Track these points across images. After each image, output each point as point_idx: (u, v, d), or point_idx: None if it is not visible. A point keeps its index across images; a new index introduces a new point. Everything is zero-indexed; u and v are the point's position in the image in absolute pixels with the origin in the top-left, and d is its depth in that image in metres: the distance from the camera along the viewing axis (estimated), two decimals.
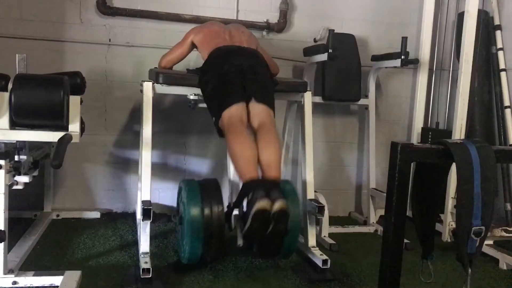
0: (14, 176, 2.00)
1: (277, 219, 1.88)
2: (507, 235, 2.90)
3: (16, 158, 2.02)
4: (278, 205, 1.88)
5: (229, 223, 2.15)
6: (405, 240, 2.56)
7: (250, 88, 2.26)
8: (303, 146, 2.65)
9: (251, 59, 2.41)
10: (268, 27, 3.28)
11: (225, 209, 2.20)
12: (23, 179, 2.04)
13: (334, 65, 3.12)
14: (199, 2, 3.19)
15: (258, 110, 2.21)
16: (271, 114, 2.24)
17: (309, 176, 2.60)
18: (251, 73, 2.31)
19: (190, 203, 2.21)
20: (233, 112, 2.16)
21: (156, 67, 2.72)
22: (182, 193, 2.35)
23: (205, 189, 2.29)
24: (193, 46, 2.63)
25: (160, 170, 3.13)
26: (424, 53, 3.35)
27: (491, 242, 2.83)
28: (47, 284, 2.05)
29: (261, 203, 1.85)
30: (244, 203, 1.99)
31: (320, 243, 2.75)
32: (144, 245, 2.29)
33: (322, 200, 2.66)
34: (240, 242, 2.09)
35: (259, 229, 1.89)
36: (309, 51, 3.03)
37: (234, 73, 2.29)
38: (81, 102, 2.10)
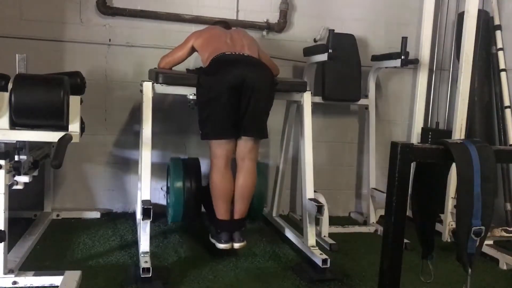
0: (14, 176, 2.00)
1: (237, 248, 2.45)
2: (507, 235, 2.90)
3: (16, 158, 2.02)
4: (238, 245, 2.43)
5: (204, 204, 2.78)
6: (405, 240, 2.56)
7: (242, 118, 2.36)
8: (303, 146, 2.65)
9: (254, 69, 2.40)
10: (268, 27, 3.29)
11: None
12: (23, 179, 2.04)
13: (334, 65, 3.12)
14: (199, 2, 3.19)
15: (245, 145, 2.46)
16: (256, 146, 2.51)
17: (309, 176, 2.60)
18: (250, 89, 2.32)
19: (175, 177, 2.74)
20: (221, 147, 2.42)
21: (156, 67, 2.71)
22: (169, 168, 2.84)
23: (188, 166, 2.82)
24: (193, 50, 2.64)
25: (160, 170, 3.13)
26: (424, 53, 3.36)
27: (491, 242, 2.83)
28: (47, 284, 2.05)
29: (224, 245, 2.41)
30: (214, 231, 2.48)
31: (320, 243, 2.75)
32: (144, 244, 2.29)
33: (322, 200, 2.66)
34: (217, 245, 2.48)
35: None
36: (309, 51, 3.04)
37: (230, 93, 2.31)
38: (81, 102, 2.10)
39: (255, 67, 2.42)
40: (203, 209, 2.84)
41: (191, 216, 2.80)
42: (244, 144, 2.45)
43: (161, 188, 3.00)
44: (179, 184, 2.73)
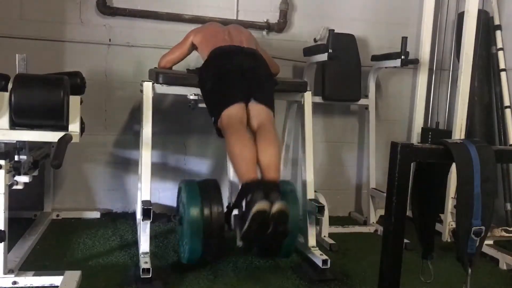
0: (14, 176, 2.00)
1: (276, 220, 1.89)
2: (507, 235, 2.89)
3: (16, 158, 2.02)
4: (277, 206, 1.88)
5: (229, 224, 2.14)
6: (405, 240, 2.56)
7: (249, 88, 2.27)
8: (303, 146, 2.65)
9: (251, 59, 2.41)
10: (268, 27, 3.28)
11: (225, 210, 2.21)
12: (23, 179, 2.04)
13: (334, 65, 3.12)
14: (199, 2, 3.19)
15: (257, 110, 2.22)
16: (270, 115, 2.25)
17: (309, 176, 2.60)
18: (251, 73, 2.32)
19: (189, 203, 2.22)
20: (233, 112, 2.17)
21: (156, 67, 2.71)
22: (181, 193, 2.37)
23: (204, 189, 2.30)
24: (193, 47, 2.64)
25: (160, 170, 3.13)
26: (424, 53, 3.35)
27: (491, 242, 2.83)
28: (47, 284, 2.05)
29: (260, 205, 1.85)
30: (243, 204, 1.99)
31: (320, 243, 2.75)
32: (144, 245, 2.29)
33: (322, 200, 2.66)
34: (239, 243, 2.07)
35: (258, 231, 1.90)
36: (309, 51, 3.03)
37: (234, 72, 2.29)
38: (81, 102, 2.10)
39: (251, 56, 2.42)
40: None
41: (213, 255, 2.32)
42: (256, 109, 2.21)
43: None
44: (195, 212, 2.18)
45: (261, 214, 1.86)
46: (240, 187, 2.03)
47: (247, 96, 2.23)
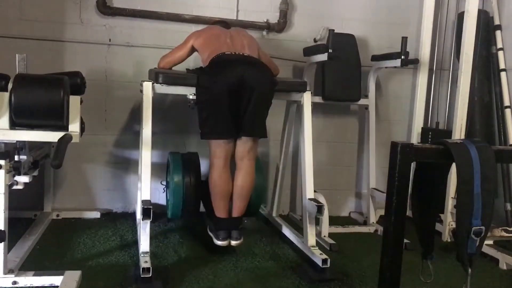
0: (14, 176, 2.00)
1: (234, 245, 2.46)
2: (507, 235, 2.89)
3: (16, 158, 2.02)
4: (235, 243, 2.44)
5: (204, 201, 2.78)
6: (405, 240, 2.55)
7: (242, 118, 2.37)
8: (303, 146, 2.65)
9: (254, 70, 2.40)
10: (268, 27, 3.29)
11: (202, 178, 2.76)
12: (23, 179, 2.04)
13: (334, 65, 3.12)
14: (199, 2, 3.19)
15: (244, 145, 2.47)
16: (255, 145, 2.52)
17: (309, 176, 2.60)
18: (250, 89, 2.32)
19: (174, 171, 2.71)
20: (221, 146, 2.44)
21: (156, 67, 2.71)
22: (169, 163, 2.84)
23: (187, 161, 2.80)
24: (193, 50, 2.64)
25: (160, 170, 3.13)
26: (424, 53, 3.36)
27: (491, 242, 2.83)
28: (47, 284, 2.05)
29: (222, 242, 2.44)
30: (212, 229, 2.52)
31: (320, 243, 2.75)
32: (144, 244, 2.29)
33: (322, 200, 2.66)
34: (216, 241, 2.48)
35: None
36: (309, 51, 3.03)
37: (231, 93, 2.31)
38: (81, 102, 2.10)
39: (254, 67, 2.42)
40: (202, 209, 2.84)
41: (191, 212, 2.79)
42: (244, 144, 2.47)
43: (161, 183, 2.99)
44: (178, 178, 2.70)
45: (222, 245, 2.45)
46: (214, 214, 2.52)
47: (238, 128, 2.41)
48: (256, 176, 2.59)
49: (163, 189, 3.02)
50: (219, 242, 2.44)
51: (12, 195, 1.99)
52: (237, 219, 2.51)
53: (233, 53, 2.45)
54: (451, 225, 2.99)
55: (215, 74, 2.35)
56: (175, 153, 2.90)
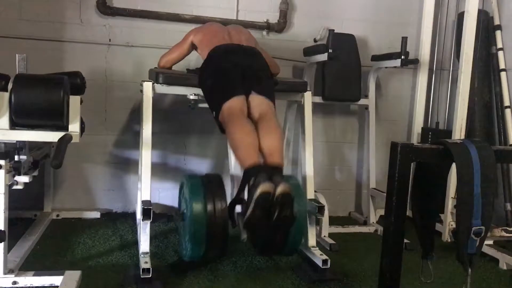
0: (14, 176, 2.00)
1: (281, 203, 1.79)
2: (507, 235, 2.89)
3: (16, 158, 2.02)
4: (281, 188, 1.79)
5: (232, 219, 2.03)
6: (405, 240, 2.55)
7: (249, 82, 2.27)
8: (303, 146, 2.65)
9: (251, 57, 2.42)
10: (268, 27, 3.28)
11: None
12: (23, 179, 2.04)
13: (334, 65, 3.12)
14: (199, 2, 3.19)
15: (258, 101, 2.20)
16: (271, 105, 2.23)
17: (309, 176, 2.60)
18: (250, 69, 2.33)
19: (192, 199, 2.16)
20: (233, 103, 2.15)
21: (156, 67, 2.72)
22: (184, 188, 2.31)
23: (207, 184, 2.24)
24: (193, 46, 2.64)
25: (160, 170, 3.13)
26: (424, 53, 3.35)
27: (491, 242, 2.83)
28: (47, 284, 2.05)
29: (264, 187, 1.77)
30: (246, 191, 1.91)
31: (320, 243, 2.75)
32: (144, 245, 2.28)
33: (322, 200, 2.66)
34: (243, 236, 1.92)
35: (263, 216, 1.80)
36: (309, 51, 3.04)
37: (234, 68, 2.30)
38: (81, 102, 2.10)
39: (251, 54, 2.43)
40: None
41: (216, 253, 2.26)
42: (258, 100, 2.19)
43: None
44: (198, 208, 2.13)
45: (265, 197, 1.77)
46: (242, 174, 1.95)
47: (247, 89, 2.21)
48: (298, 205, 2.01)
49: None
50: (263, 186, 1.77)
51: (12, 195, 1.99)
52: (276, 165, 1.97)
53: (230, 43, 2.47)
54: (451, 225, 2.99)
55: (215, 62, 2.36)
56: (192, 176, 2.38)
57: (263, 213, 1.79)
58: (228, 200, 2.17)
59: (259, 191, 1.77)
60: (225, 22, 2.90)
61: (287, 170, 3.31)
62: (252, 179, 1.85)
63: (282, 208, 1.80)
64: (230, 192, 2.48)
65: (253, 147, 1.97)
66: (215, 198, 2.15)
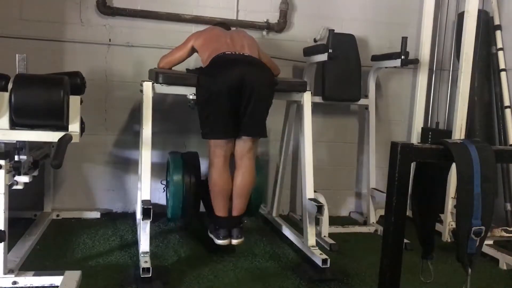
0: (14, 176, 2.00)
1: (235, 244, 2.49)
2: (507, 235, 2.90)
3: (16, 158, 2.02)
4: (235, 241, 2.45)
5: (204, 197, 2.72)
6: (405, 240, 2.56)
7: (242, 117, 2.37)
8: (303, 146, 2.65)
9: (254, 69, 2.40)
10: (268, 27, 3.28)
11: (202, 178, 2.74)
12: (23, 179, 2.04)
13: (334, 65, 3.12)
14: (199, 2, 3.19)
15: (243, 144, 2.47)
16: (255, 145, 2.52)
17: (309, 176, 2.60)
18: (250, 88, 2.32)
19: (174, 171, 2.70)
20: (220, 146, 2.44)
21: (156, 67, 2.71)
22: (169, 163, 2.82)
23: (187, 160, 2.79)
24: (193, 50, 2.64)
25: (160, 170, 3.13)
26: (424, 53, 3.36)
27: (491, 242, 2.83)
28: (47, 284, 2.05)
29: (222, 241, 2.44)
30: (213, 228, 2.51)
31: (320, 243, 2.75)
32: (144, 244, 2.29)
33: (322, 200, 2.66)
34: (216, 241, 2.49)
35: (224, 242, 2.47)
36: (309, 51, 3.03)
37: (232, 90, 2.31)
38: (81, 102, 2.10)
39: (254, 67, 2.42)
40: (202, 209, 2.84)
41: (191, 212, 2.77)
42: (243, 144, 2.47)
43: (161, 182, 2.98)
44: (178, 178, 2.69)
45: (224, 244, 2.46)
46: (214, 213, 2.51)
47: (237, 129, 2.41)
48: (256, 175, 2.59)
49: (163, 188, 3.02)
50: (219, 242, 2.43)
51: (12, 195, 1.99)
52: (237, 218, 2.52)
53: (233, 52, 2.45)
54: (451, 225, 2.99)
55: (215, 74, 2.35)
56: (175, 152, 2.90)
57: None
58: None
59: (219, 242, 2.45)
60: (225, 23, 2.89)
61: (287, 170, 3.33)
62: (218, 229, 2.47)
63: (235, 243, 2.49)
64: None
65: (225, 198, 2.49)
66: (191, 172, 2.73)
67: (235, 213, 2.51)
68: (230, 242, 2.44)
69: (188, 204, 2.72)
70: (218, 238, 2.44)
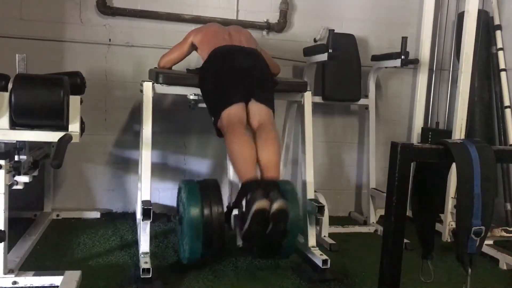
0: (14, 176, 2.00)
1: (276, 219, 1.88)
2: (507, 235, 2.89)
3: (16, 158, 2.02)
4: (277, 205, 1.88)
5: (229, 223, 2.14)
6: (405, 240, 2.56)
7: (249, 88, 2.29)
8: (303, 146, 2.65)
9: (251, 58, 2.42)
10: (268, 27, 3.28)
11: (225, 209, 2.20)
12: (23, 179, 2.04)
13: (334, 65, 3.12)
14: (199, 2, 3.19)
15: (257, 110, 2.24)
16: (270, 114, 2.27)
17: (309, 176, 2.60)
18: (251, 72, 2.33)
19: (189, 203, 2.21)
20: (232, 112, 2.18)
21: (156, 67, 2.72)
22: (181, 193, 2.36)
23: (204, 189, 2.29)
24: (193, 47, 2.64)
25: (160, 170, 3.13)
26: (424, 53, 3.35)
27: (491, 242, 2.83)
28: (47, 284, 2.05)
29: (260, 203, 1.86)
30: (243, 203, 1.99)
31: (320, 243, 2.75)
32: (144, 245, 2.29)
33: (322, 200, 2.66)
34: (239, 242, 2.10)
35: (258, 230, 1.89)
36: (309, 51, 3.04)
37: (234, 72, 2.30)
38: (81, 102, 2.10)
39: (252, 55, 2.43)
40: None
41: (213, 255, 2.34)
42: (258, 109, 2.23)
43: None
44: (195, 212, 2.18)
45: (261, 213, 1.86)
46: (240, 186, 2.04)
47: (247, 95, 2.25)
48: (291, 206, 2.06)
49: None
50: (258, 203, 1.85)
51: (12, 195, 1.99)
52: (272, 180, 2.05)
53: (230, 44, 2.46)
54: (451, 225, 2.99)
55: (215, 63, 2.36)
56: (190, 181, 2.42)
57: (259, 227, 1.89)
58: (225, 203, 2.25)
59: (255, 207, 1.85)
60: (225, 22, 2.90)
61: (287, 170, 3.33)
62: (249, 194, 1.93)
63: (277, 223, 1.89)
64: (227, 195, 2.52)
65: (251, 161, 2.04)
66: (211, 203, 2.21)
67: (269, 175, 2.05)
68: (271, 205, 1.88)
69: (210, 244, 2.21)
70: (255, 201, 1.85)
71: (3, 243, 1.91)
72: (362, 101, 3.28)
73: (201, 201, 2.21)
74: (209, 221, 2.17)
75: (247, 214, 1.89)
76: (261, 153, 2.09)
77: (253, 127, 2.22)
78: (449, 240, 3.00)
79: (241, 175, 2.03)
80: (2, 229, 1.90)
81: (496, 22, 3.27)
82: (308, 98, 2.64)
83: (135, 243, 2.65)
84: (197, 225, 2.17)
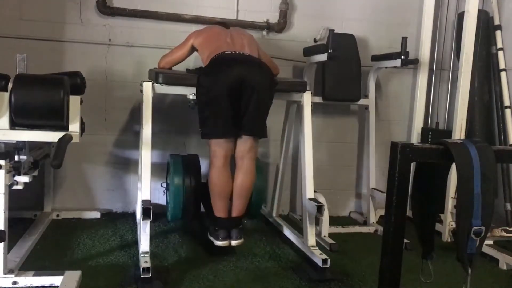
0: (14, 176, 2.00)
1: (234, 246, 2.47)
2: (507, 235, 2.90)
3: (16, 158, 2.02)
4: (234, 242, 2.43)
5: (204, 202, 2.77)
6: (405, 240, 2.55)
7: (243, 113, 2.36)
8: (303, 146, 2.65)
9: (254, 69, 2.40)
10: (268, 27, 3.29)
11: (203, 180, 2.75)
12: (23, 179, 2.04)
13: (334, 65, 3.12)
14: (199, 2, 3.19)
15: (244, 144, 2.47)
16: (254, 145, 2.50)
17: (309, 176, 2.60)
18: (250, 88, 2.32)
19: (174, 174, 2.74)
20: (221, 146, 2.43)
21: (156, 68, 2.71)
22: (169, 165, 2.87)
23: (187, 163, 2.82)
24: (193, 49, 2.64)
25: (160, 170, 3.13)
26: (424, 53, 3.36)
27: (491, 242, 2.83)
28: (47, 284, 2.05)
29: (222, 242, 2.42)
30: (213, 227, 2.49)
31: (320, 243, 2.75)
32: (144, 244, 2.29)
33: (322, 200, 2.66)
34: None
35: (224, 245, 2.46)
36: (309, 51, 3.03)
37: (229, 94, 2.31)
38: (81, 102, 2.10)
39: (254, 66, 2.42)
40: (202, 209, 2.84)
41: (191, 214, 2.80)
42: (244, 143, 2.46)
43: (161, 185, 3.00)
44: (178, 181, 2.72)
45: (223, 246, 2.44)
46: (213, 214, 2.50)
47: (239, 128, 2.40)
48: (257, 176, 2.57)
49: (163, 191, 3.03)
50: (219, 243, 2.42)
51: (12, 195, 1.99)
52: (237, 219, 2.50)
53: (233, 52, 2.45)
54: (451, 225, 2.99)
55: (215, 74, 2.35)
56: (176, 155, 2.91)
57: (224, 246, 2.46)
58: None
59: (218, 243, 2.43)
60: (225, 22, 2.89)
61: (287, 170, 3.33)
62: (217, 228, 2.45)
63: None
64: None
65: (225, 199, 2.48)
66: (191, 174, 2.77)
67: (234, 214, 2.50)
68: (230, 243, 2.43)
69: (188, 206, 2.75)
70: (218, 240, 2.43)
71: (3, 243, 1.92)
72: (362, 101, 3.28)
73: (183, 173, 2.75)
74: (188, 189, 2.74)
75: (214, 238, 2.45)
76: (237, 179, 2.48)
77: (237, 154, 2.50)
78: (449, 240, 3.00)
79: (215, 209, 2.48)
80: (2, 229, 1.90)
81: (496, 22, 3.27)
82: (307, 98, 2.64)
83: (135, 243, 2.65)
84: (179, 192, 2.73)
